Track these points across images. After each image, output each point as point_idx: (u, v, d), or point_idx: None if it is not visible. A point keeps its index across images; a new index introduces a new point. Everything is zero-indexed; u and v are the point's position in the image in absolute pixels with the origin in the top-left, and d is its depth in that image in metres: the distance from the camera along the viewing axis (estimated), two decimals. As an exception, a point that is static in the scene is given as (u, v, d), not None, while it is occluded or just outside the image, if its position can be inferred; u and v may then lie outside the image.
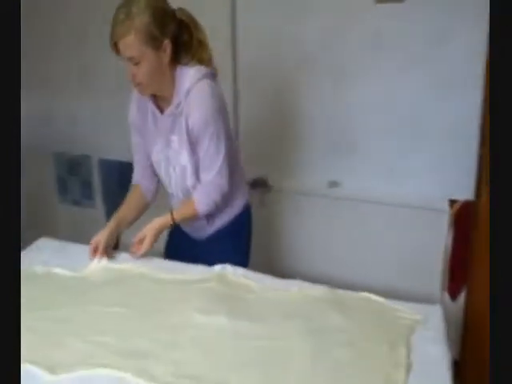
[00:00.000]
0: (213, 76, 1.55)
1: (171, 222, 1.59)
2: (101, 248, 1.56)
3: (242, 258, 1.70)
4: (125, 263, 1.56)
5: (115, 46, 1.43)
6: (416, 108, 1.94)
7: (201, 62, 1.54)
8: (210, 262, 1.56)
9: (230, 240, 1.72)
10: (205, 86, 1.48)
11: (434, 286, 1.98)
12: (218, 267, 1.53)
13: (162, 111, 1.57)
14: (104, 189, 2.64)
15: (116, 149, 2.52)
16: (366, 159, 2.09)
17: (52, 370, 1.13)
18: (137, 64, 1.43)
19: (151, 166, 1.68)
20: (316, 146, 2.18)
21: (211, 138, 1.50)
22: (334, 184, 2.17)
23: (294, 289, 1.39)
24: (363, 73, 2.00)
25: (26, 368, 1.14)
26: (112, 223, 1.63)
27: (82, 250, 1.57)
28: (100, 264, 1.54)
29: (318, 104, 2.12)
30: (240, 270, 1.51)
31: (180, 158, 1.57)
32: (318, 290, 1.36)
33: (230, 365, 1.13)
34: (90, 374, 1.12)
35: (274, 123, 2.23)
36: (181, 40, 1.51)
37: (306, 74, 2.10)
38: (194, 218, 1.62)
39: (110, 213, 2.04)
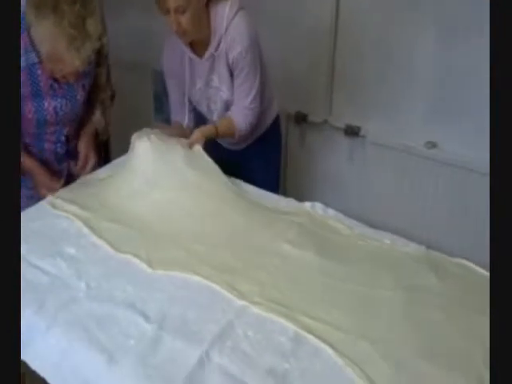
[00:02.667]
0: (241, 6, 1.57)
1: (215, 134, 1.65)
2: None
3: (277, 165, 1.96)
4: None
5: (161, 2, 1.44)
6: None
7: None
8: (249, 169, 1.79)
9: (266, 147, 1.87)
10: (241, 19, 1.53)
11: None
12: (307, 204, 1.52)
13: (199, 55, 1.61)
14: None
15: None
16: (469, 124, 1.95)
17: (151, 264, 1.18)
18: (182, 13, 1.45)
19: (185, 103, 1.75)
20: (418, 103, 2.06)
21: (250, 67, 1.59)
22: (432, 145, 2.06)
23: (385, 241, 1.36)
24: (476, 30, 1.80)
25: (128, 259, 1.21)
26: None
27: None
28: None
29: (424, 59, 1.97)
30: (331, 211, 1.50)
31: (221, 94, 1.66)
32: (412, 248, 1.32)
33: (318, 300, 1.14)
34: (185, 277, 1.17)
35: (374, 72, 2.09)
36: None
37: (414, 24, 1.94)
38: (231, 136, 1.72)
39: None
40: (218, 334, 1.02)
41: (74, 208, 1.39)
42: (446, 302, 1.12)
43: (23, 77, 1.39)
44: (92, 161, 1.58)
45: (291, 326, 1.05)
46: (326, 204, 1.55)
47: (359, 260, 1.28)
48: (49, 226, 1.33)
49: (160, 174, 1.51)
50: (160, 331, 1.02)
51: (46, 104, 1.47)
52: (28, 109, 1.45)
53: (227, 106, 1.70)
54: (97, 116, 1.64)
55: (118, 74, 2.62)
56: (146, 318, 1.05)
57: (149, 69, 2.66)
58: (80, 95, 1.54)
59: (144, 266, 1.18)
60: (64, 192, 1.48)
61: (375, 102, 2.14)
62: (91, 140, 1.61)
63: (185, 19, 1.46)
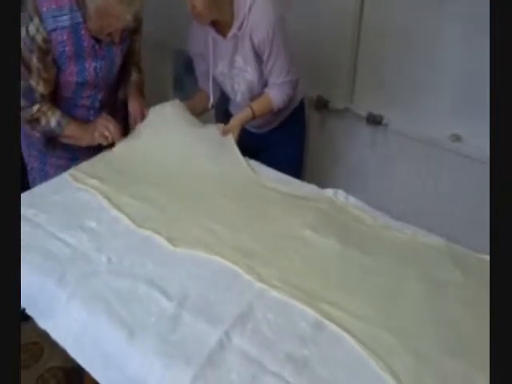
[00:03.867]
0: None
1: (252, 116, 1.65)
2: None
3: (301, 150, 1.96)
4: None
5: None
6: None
7: None
8: (272, 153, 1.78)
9: (290, 130, 1.87)
10: (264, 1, 1.51)
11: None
12: (330, 191, 1.50)
13: (222, 35, 1.60)
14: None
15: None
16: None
17: (172, 242, 1.18)
18: None
19: (209, 79, 1.74)
20: (444, 93, 2.01)
21: (279, 46, 1.57)
22: (456, 138, 2.02)
23: (407, 232, 1.33)
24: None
25: (148, 235, 1.20)
26: None
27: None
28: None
29: (452, 47, 1.91)
30: (352, 199, 1.47)
31: (245, 75, 1.65)
32: (434, 240, 1.30)
33: (338, 288, 1.13)
34: (205, 256, 1.16)
35: (399, 60, 2.05)
36: None
37: (441, 13, 1.88)
38: (269, 112, 1.72)
39: (218, 112, 2.03)
40: (239, 316, 1.02)
41: (94, 182, 1.39)
42: (468, 296, 1.10)
43: (67, 36, 1.40)
44: None
45: (311, 312, 1.04)
46: (346, 192, 1.54)
47: (381, 250, 1.25)
48: (70, 199, 1.32)
49: (181, 154, 1.51)
50: (180, 309, 1.02)
51: (87, 65, 1.49)
52: (70, 70, 1.47)
53: (251, 88, 1.69)
54: (134, 76, 1.72)
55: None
56: (167, 295, 1.05)
57: (169, 49, 2.64)
58: (117, 59, 1.57)
59: (165, 244, 1.18)
60: (85, 166, 1.48)
61: (399, 90, 2.10)
62: (141, 98, 1.68)
63: (199, 2, 1.45)
